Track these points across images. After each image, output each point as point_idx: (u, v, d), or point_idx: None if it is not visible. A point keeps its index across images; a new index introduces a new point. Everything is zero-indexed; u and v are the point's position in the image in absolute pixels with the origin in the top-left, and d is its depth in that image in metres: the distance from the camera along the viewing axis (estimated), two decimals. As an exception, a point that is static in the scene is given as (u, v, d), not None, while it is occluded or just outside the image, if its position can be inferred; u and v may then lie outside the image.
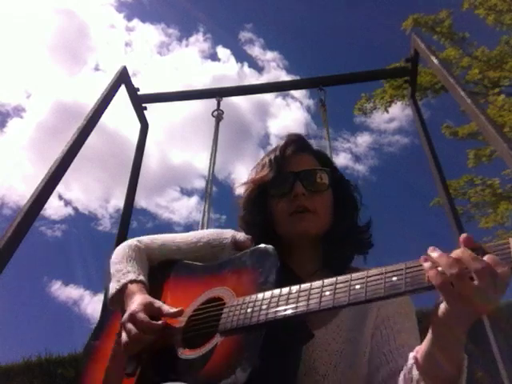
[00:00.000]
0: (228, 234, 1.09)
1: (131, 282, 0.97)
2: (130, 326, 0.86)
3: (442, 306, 0.64)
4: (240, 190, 1.11)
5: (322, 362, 0.87)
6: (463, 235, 0.64)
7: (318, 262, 1.01)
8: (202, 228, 2.13)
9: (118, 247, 1.11)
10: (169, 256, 1.09)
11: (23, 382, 6.72)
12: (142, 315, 0.86)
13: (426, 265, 0.62)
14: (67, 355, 7.15)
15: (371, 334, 0.91)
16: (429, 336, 0.71)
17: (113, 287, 0.98)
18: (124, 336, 0.87)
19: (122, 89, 2.28)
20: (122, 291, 0.96)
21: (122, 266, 1.02)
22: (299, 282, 0.77)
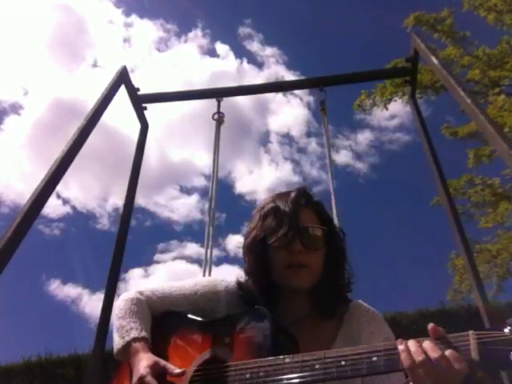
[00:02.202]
0: (221, 285, 1.18)
1: (134, 340, 1.05)
2: None
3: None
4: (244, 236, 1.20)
5: None
6: (430, 325, 0.77)
7: (307, 308, 1.12)
8: (207, 242, 2.14)
9: (120, 299, 1.19)
10: (169, 308, 1.17)
11: (23, 382, 6.73)
12: (149, 379, 0.94)
13: (400, 348, 0.77)
14: (67, 355, 7.16)
15: None
16: None
17: (118, 343, 1.07)
18: None
19: (122, 88, 2.27)
20: (127, 348, 1.05)
21: (125, 322, 1.10)
22: (292, 340, 0.92)
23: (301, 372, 0.82)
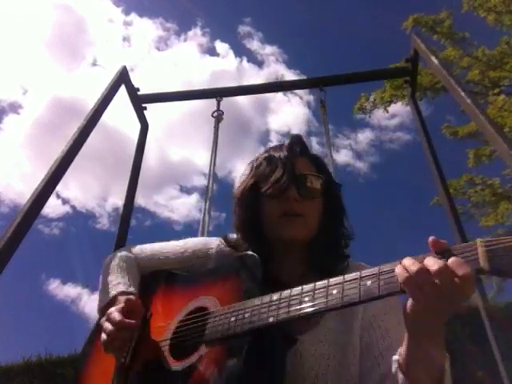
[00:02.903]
0: (213, 243, 1.11)
1: (121, 293, 0.99)
2: (106, 324, 0.89)
3: (411, 306, 0.67)
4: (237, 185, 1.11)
5: (309, 366, 0.87)
6: (431, 238, 0.67)
7: (304, 265, 1.02)
8: (203, 229, 2.13)
9: (108, 257, 1.13)
10: (158, 266, 1.10)
11: (23, 382, 6.72)
12: (116, 314, 0.88)
13: (397, 270, 0.66)
14: (67, 355, 7.15)
15: (360, 336, 0.91)
16: (406, 336, 0.73)
17: (104, 299, 1.01)
18: (102, 335, 0.89)
19: (122, 88, 2.27)
20: (112, 303, 0.97)
21: (112, 277, 1.04)
22: (283, 287, 0.79)
23: (288, 307, 0.74)
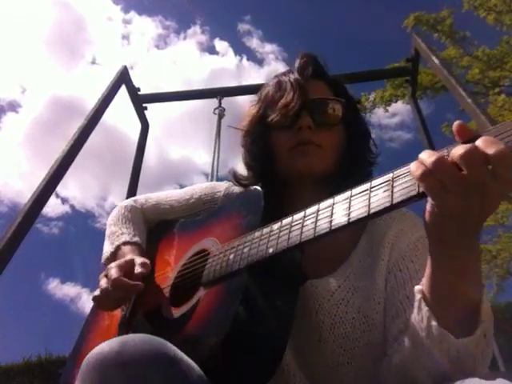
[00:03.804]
0: (221, 186, 1.00)
1: (125, 243, 0.93)
2: (102, 281, 0.82)
3: (432, 211, 0.52)
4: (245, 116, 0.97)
5: (324, 313, 0.75)
6: (456, 123, 0.50)
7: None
8: None
9: (114, 209, 1.07)
10: (163, 215, 1.04)
11: (23, 382, 6.73)
12: (114, 271, 0.80)
13: (412, 166, 0.51)
14: (67, 355, 7.15)
15: (384, 280, 0.78)
16: (429, 258, 0.58)
17: (107, 250, 0.95)
18: (97, 291, 0.82)
19: (122, 87, 2.27)
20: (115, 253, 0.92)
21: (116, 227, 0.99)
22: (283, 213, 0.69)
23: (289, 234, 0.64)
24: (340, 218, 0.58)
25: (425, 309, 0.59)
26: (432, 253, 0.57)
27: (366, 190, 0.58)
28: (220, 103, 2.56)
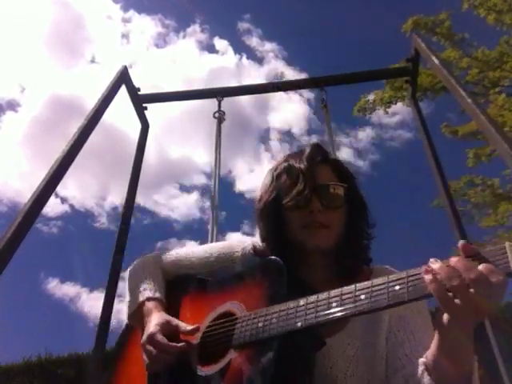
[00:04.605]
0: (238, 246, 1.11)
1: (148, 299, 1.01)
2: (149, 347, 0.89)
3: (442, 313, 0.68)
4: (258, 195, 1.11)
5: (338, 369, 0.87)
6: (461, 243, 0.66)
7: (329, 271, 1.02)
8: (211, 236, 2.13)
9: (134, 262, 1.15)
10: (183, 271, 1.12)
11: (23, 382, 6.73)
12: (159, 336, 0.89)
13: (427, 277, 0.65)
14: (67, 355, 7.16)
15: (386, 338, 0.91)
16: (435, 340, 0.73)
17: (131, 305, 1.03)
18: (145, 357, 0.91)
19: (122, 87, 2.27)
20: (140, 309, 1.00)
21: (138, 282, 1.06)
22: (310, 292, 0.80)
23: (316, 312, 0.75)
24: (364, 305, 0.70)
25: (426, 378, 0.75)
26: (438, 340, 0.72)
27: (384, 283, 0.70)
28: (219, 106, 2.53)
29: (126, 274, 1.13)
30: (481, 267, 0.61)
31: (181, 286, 1.09)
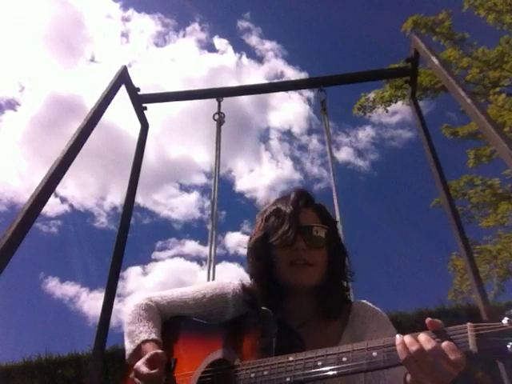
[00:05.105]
0: (229, 287, 1.20)
1: (144, 342, 1.08)
2: (136, 380, 0.99)
3: (408, 377, 0.79)
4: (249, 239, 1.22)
5: None
6: (428, 319, 0.77)
7: (311, 309, 1.13)
8: (211, 236, 2.13)
9: (129, 307, 1.23)
10: (178, 312, 1.20)
11: (23, 382, 6.73)
12: (143, 368, 0.97)
13: (397, 342, 0.77)
14: (67, 355, 7.16)
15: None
16: None
17: (129, 348, 1.11)
18: None
19: (122, 87, 2.27)
20: (138, 351, 1.07)
21: (134, 327, 1.13)
22: (292, 334, 0.95)
23: (304, 369, 0.84)
24: (345, 368, 0.80)
25: None
26: None
27: (363, 349, 0.80)
28: (219, 108, 2.53)
29: (124, 319, 1.20)
30: (443, 344, 0.73)
31: (177, 326, 1.17)
